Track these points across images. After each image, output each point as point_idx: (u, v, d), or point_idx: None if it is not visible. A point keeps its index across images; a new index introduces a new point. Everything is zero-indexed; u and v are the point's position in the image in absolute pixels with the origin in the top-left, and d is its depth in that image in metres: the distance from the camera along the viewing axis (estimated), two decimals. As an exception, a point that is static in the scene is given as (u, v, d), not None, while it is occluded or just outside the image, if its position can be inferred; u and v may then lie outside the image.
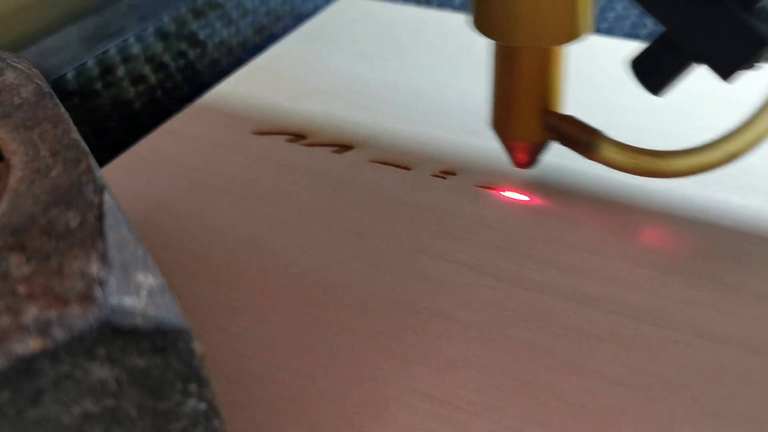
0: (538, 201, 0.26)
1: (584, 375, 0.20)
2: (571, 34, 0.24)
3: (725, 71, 0.22)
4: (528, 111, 0.25)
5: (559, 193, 0.27)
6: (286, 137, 0.30)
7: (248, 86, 0.34)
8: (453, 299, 0.23)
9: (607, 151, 0.24)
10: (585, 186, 0.27)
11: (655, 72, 0.24)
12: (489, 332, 0.21)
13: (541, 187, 0.27)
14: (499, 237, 0.25)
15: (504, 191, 0.27)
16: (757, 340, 0.21)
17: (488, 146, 0.29)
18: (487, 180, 0.27)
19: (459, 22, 0.38)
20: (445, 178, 0.28)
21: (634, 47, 0.35)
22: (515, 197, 0.27)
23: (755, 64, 0.22)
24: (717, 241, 0.24)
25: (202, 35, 0.41)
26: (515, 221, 0.25)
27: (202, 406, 0.15)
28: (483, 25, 0.24)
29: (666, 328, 0.21)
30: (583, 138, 0.25)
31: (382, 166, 0.28)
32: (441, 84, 0.33)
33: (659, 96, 0.24)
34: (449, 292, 0.23)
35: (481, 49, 0.36)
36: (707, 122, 0.30)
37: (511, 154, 0.27)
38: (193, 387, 0.15)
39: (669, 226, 0.25)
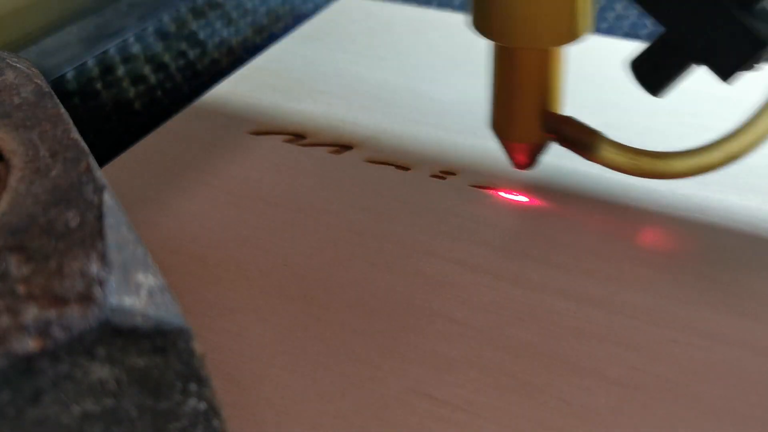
0: (537, 202, 0.26)
1: (584, 375, 0.20)
2: (571, 34, 0.24)
3: (725, 72, 0.22)
4: (527, 112, 0.25)
5: (559, 193, 0.27)
6: (286, 137, 0.30)
7: (248, 86, 0.34)
8: (453, 299, 0.23)
9: (607, 152, 0.24)
10: (584, 186, 0.27)
11: (655, 73, 0.24)
12: (489, 332, 0.21)
13: (540, 187, 0.27)
14: (499, 237, 0.25)
15: (503, 192, 0.27)
16: (757, 340, 0.21)
17: (488, 146, 0.29)
18: (486, 180, 0.27)
19: (459, 22, 0.38)
20: (444, 178, 0.27)
21: (634, 47, 0.35)
22: (514, 198, 0.26)
23: (755, 65, 0.22)
24: (717, 241, 0.24)
25: (202, 35, 0.41)
26: (515, 221, 0.25)
27: (202, 405, 0.15)
28: (482, 26, 0.24)
29: (666, 328, 0.21)
30: (583, 139, 0.25)
31: (382, 166, 0.28)
32: (441, 84, 0.33)
33: (659, 97, 0.24)
34: (449, 292, 0.23)
35: (481, 49, 0.36)
36: (707, 122, 0.30)
37: (511, 156, 0.27)
38: (192, 387, 0.15)
39: (669, 226, 0.25)
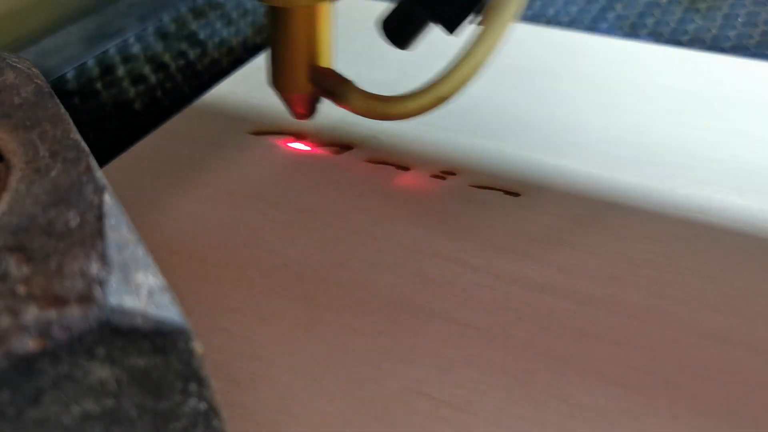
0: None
1: (584, 375, 0.20)
2: None
3: (450, 25, 0.25)
4: (297, 66, 0.28)
5: (559, 194, 0.27)
6: (286, 137, 0.30)
7: (248, 86, 0.34)
8: (453, 299, 0.23)
9: (353, 99, 0.27)
10: (584, 187, 0.27)
11: (401, 30, 0.27)
12: (489, 332, 0.21)
13: (541, 188, 0.27)
14: (499, 237, 0.25)
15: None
16: (757, 340, 0.21)
17: (488, 146, 0.29)
18: (486, 180, 0.27)
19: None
20: (444, 179, 0.28)
21: (635, 47, 0.35)
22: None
23: (475, 17, 0.25)
24: (717, 241, 0.24)
25: (202, 35, 0.41)
26: (515, 221, 0.25)
27: (202, 406, 0.15)
28: None
29: (666, 328, 0.21)
30: (337, 88, 0.27)
31: (382, 166, 0.28)
32: (441, 84, 0.33)
33: (406, 50, 0.27)
34: (449, 292, 0.23)
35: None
36: (706, 121, 0.30)
37: (290, 107, 0.29)
38: (192, 387, 0.15)
39: (668, 226, 0.25)
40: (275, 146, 0.30)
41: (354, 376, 0.20)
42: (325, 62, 0.28)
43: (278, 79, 0.28)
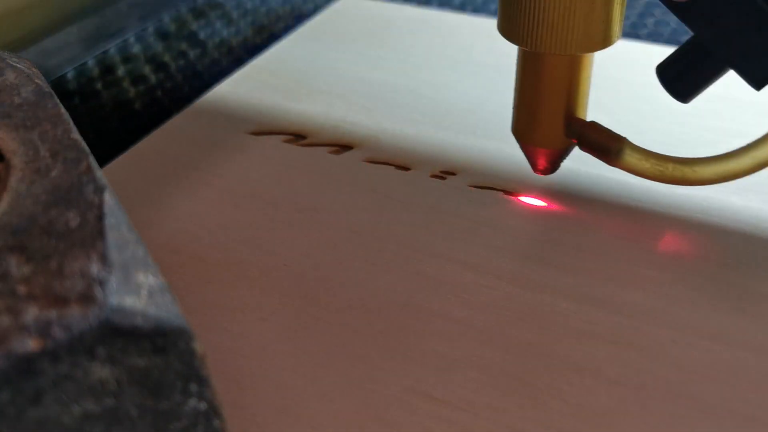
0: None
1: (584, 375, 0.20)
2: (603, 41, 0.23)
3: (759, 81, 0.21)
4: (552, 117, 0.25)
5: (558, 193, 0.27)
6: (285, 137, 0.30)
7: (248, 86, 0.34)
8: (453, 299, 0.23)
9: (632, 158, 0.24)
10: (584, 186, 0.27)
11: (683, 79, 0.23)
12: (489, 332, 0.21)
13: (540, 188, 0.27)
14: (499, 237, 0.25)
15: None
16: (757, 340, 0.21)
17: (488, 146, 0.29)
18: (486, 180, 0.27)
19: (459, 22, 0.38)
20: (444, 179, 0.28)
21: (635, 47, 0.35)
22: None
23: None
24: (717, 241, 0.24)
25: (202, 35, 0.41)
26: (515, 221, 0.25)
27: (203, 406, 0.15)
28: (509, 31, 0.23)
29: (666, 328, 0.21)
30: (607, 144, 0.24)
31: (382, 166, 0.28)
32: (441, 84, 0.33)
33: (686, 103, 0.24)
34: (449, 292, 0.23)
35: (480, 50, 0.36)
36: (706, 121, 0.30)
37: (532, 160, 0.26)
38: (193, 387, 0.15)
39: (669, 226, 0.25)
40: (275, 146, 0.30)
41: (354, 376, 0.20)
42: (582, 114, 0.25)
43: (527, 130, 0.25)
